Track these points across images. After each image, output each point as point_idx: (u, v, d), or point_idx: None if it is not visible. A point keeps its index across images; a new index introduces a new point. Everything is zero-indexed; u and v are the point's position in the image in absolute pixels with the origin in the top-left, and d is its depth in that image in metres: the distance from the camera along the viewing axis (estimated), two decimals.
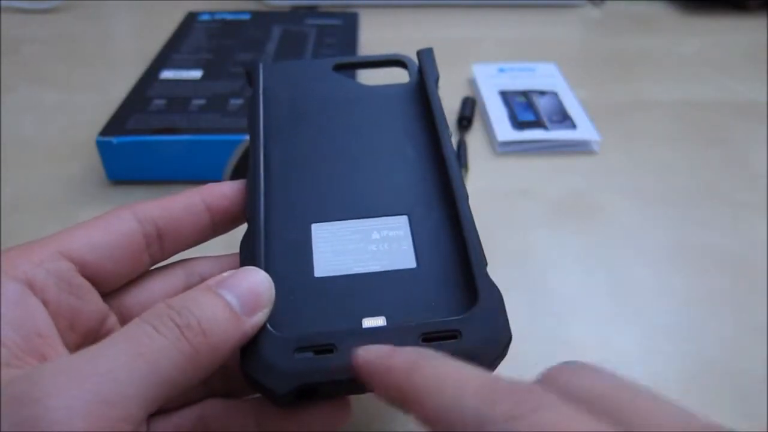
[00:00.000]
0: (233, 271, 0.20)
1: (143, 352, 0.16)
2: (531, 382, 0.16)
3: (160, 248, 0.23)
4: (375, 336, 0.19)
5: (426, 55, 0.30)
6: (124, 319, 0.22)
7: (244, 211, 0.24)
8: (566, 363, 0.17)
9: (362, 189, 0.25)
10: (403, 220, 0.23)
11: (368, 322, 0.20)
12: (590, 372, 0.16)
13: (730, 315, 0.33)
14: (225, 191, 0.24)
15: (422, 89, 0.28)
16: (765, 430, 0.27)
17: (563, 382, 0.16)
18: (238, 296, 0.19)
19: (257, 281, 0.20)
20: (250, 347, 0.19)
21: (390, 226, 0.23)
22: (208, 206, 0.23)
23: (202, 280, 0.23)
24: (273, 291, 0.20)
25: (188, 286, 0.23)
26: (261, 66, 0.29)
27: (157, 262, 0.23)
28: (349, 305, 0.21)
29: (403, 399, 0.16)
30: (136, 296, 0.22)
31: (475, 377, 0.16)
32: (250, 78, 0.29)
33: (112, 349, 0.16)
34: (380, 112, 0.28)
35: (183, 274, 0.23)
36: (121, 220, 0.22)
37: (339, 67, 0.30)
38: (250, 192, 0.24)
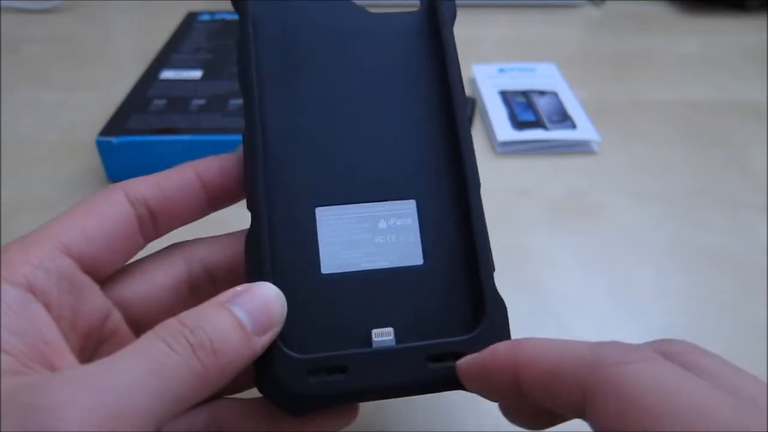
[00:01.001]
0: (246, 286, 0.19)
1: (157, 368, 0.16)
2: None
3: (154, 228, 0.22)
4: (385, 357, 0.20)
5: None
6: (128, 316, 0.22)
7: (242, 188, 0.23)
8: (677, 340, 0.18)
9: (368, 163, 0.23)
10: (411, 205, 0.22)
11: (377, 336, 0.20)
12: (707, 353, 0.17)
13: (730, 315, 0.33)
14: (222, 166, 0.23)
15: (435, 26, 0.24)
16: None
17: (675, 353, 0.17)
18: (250, 313, 0.19)
19: (270, 298, 0.19)
20: (265, 365, 0.20)
21: (397, 212, 0.22)
22: (203, 183, 0.23)
23: (204, 267, 0.23)
24: (285, 308, 0.20)
25: (190, 275, 0.23)
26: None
27: (150, 241, 0.23)
28: (358, 312, 0.21)
29: (513, 369, 0.18)
30: (137, 289, 0.22)
31: (579, 341, 0.17)
32: (237, 6, 0.24)
33: (126, 363, 0.16)
34: (388, 57, 0.24)
35: (183, 261, 0.23)
36: (114, 206, 0.21)
37: None
38: (250, 178, 0.22)
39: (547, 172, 0.43)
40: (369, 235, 0.22)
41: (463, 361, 0.20)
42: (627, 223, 0.39)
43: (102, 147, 0.39)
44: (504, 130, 0.46)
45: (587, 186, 0.42)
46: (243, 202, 0.22)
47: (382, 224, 0.22)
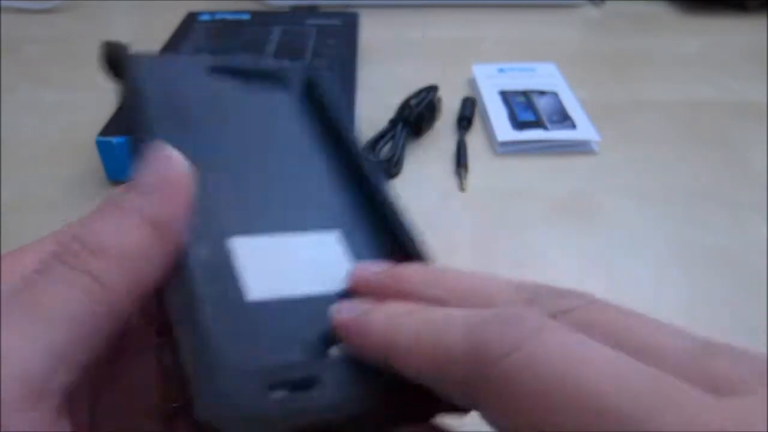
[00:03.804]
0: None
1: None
2: (522, 306, 0.15)
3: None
4: (342, 365, 0.17)
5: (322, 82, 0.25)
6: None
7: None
8: (568, 291, 0.16)
9: (280, 201, 0.22)
10: (335, 234, 0.22)
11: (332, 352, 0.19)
12: (603, 307, 0.16)
13: (729, 315, 0.33)
14: None
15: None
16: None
17: (568, 309, 0.15)
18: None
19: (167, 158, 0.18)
20: (207, 387, 0.16)
21: (320, 241, 0.22)
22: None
23: None
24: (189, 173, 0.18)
25: None
26: (132, 59, 0.24)
27: None
28: (283, 338, 0.19)
29: (384, 355, 0.15)
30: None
31: (455, 314, 0.15)
32: (117, 69, 0.24)
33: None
34: (280, 103, 0.25)
35: None
36: None
37: (216, 71, 0.25)
38: None
39: (547, 172, 0.43)
40: (291, 265, 0.21)
41: (340, 309, 0.17)
42: (627, 223, 0.39)
43: (102, 147, 0.39)
44: (504, 130, 0.46)
45: (587, 186, 0.42)
46: None
47: (304, 254, 0.21)
